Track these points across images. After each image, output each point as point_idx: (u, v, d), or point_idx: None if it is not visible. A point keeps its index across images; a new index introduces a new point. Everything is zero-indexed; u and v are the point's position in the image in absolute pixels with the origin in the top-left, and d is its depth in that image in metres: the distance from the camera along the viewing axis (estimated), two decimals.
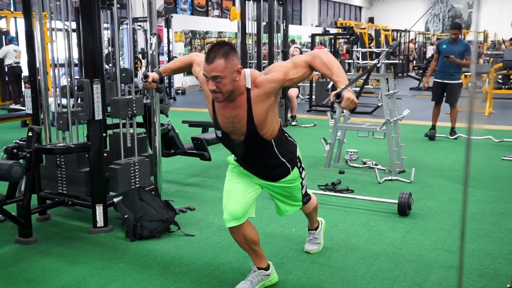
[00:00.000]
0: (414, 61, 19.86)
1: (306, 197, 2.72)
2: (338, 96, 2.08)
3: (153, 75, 2.77)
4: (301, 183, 2.61)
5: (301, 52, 9.04)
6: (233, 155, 2.57)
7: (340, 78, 2.15)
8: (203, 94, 2.47)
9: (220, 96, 2.21)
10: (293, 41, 14.94)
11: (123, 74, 3.73)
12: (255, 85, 2.25)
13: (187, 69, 2.70)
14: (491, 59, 15.30)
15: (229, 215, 2.45)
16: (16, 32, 10.96)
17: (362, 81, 2.42)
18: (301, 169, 2.58)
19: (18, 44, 10.78)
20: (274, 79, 2.25)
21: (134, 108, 3.67)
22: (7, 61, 10.60)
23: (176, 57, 12.45)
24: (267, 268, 2.66)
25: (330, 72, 2.19)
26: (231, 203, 2.47)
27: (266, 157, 2.42)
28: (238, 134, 2.35)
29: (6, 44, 10.69)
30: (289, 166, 2.49)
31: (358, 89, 2.38)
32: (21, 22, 10.60)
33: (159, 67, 2.91)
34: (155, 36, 3.79)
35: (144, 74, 2.79)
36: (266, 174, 2.52)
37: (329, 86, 9.07)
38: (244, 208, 2.46)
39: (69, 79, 3.59)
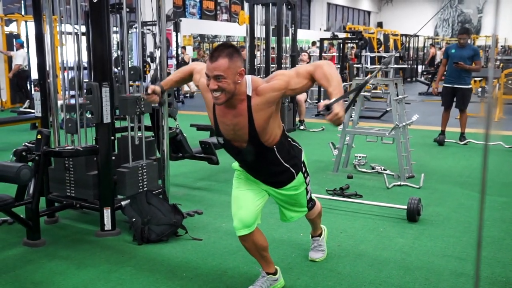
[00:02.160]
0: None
1: (310, 203, 2.70)
2: (328, 108, 1.98)
3: (153, 87, 2.59)
4: (306, 189, 2.58)
5: (309, 57, 9.02)
6: (237, 164, 2.56)
7: (336, 91, 2.08)
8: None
9: (221, 97, 2.18)
10: (313, 43, 14.57)
11: (132, 72, 3.74)
12: (256, 93, 2.22)
13: (189, 79, 2.65)
14: (501, 64, 15.18)
15: (240, 223, 2.43)
16: (27, 36, 11.05)
17: (351, 96, 2.33)
18: (305, 175, 2.55)
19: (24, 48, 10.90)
20: (276, 88, 2.22)
21: (142, 106, 3.66)
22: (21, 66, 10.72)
23: (184, 60, 12.49)
24: (275, 273, 2.64)
25: (328, 84, 2.12)
26: (241, 211, 2.44)
27: (268, 163, 2.39)
28: (239, 141, 2.33)
29: (17, 49, 10.78)
30: (293, 171, 2.46)
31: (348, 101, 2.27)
32: (31, 25, 10.70)
33: (160, 81, 2.73)
34: (159, 49, 3.80)
35: (146, 87, 2.64)
36: (270, 180, 2.49)
37: None
38: (254, 215, 2.44)
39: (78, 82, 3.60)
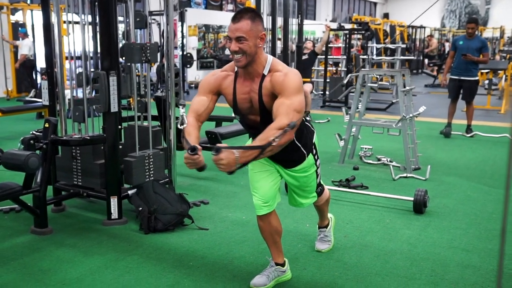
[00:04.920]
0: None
1: (320, 187, 2.71)
2: (217, 150, 1.96)
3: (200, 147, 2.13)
4: (316, 171, 2.60)
5: (314, 45, 8.96)
6: (250, 140, 2.57)
7: (256, 142, 2.06)
8: None
9: (242, 60, 2.18)
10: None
11: (137, 19, 3.70)
12: (270, 76, 2.24)
13: (208, 111, 2.40)
14: (508, 55, 15.05)
15: (261, 200, 2.45)
16: (32, 25, 11.05)
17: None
18: (316, 157, 2.57)
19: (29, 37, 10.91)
20: (275, 88, 2.20)
21: (149, 54, 3.64)
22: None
23: (190, 53, 12.40)
24: (283, 264, 2.65)
25: (262, 135, 2.08)
26: (261, 189, 2.47)
27: None
28: (254, 114, 2.35)
29: (22, 38, 10.77)
30: (304, 151, 2.48)
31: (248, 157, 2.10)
32: (36, 14, 10.67)
33: (189, 144, 2.17)
34: (166, 38, 3.79)
35: (193, 147, 2.08)
36: (282, 158, 2.48)
37: (344, 81, 9.02)
38: (273, 192, 2.48)
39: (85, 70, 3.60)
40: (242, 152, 2.02)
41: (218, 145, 2.01)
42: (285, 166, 2.52)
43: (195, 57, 14.34)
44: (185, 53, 11.41)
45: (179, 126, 2.32)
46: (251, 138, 2.59)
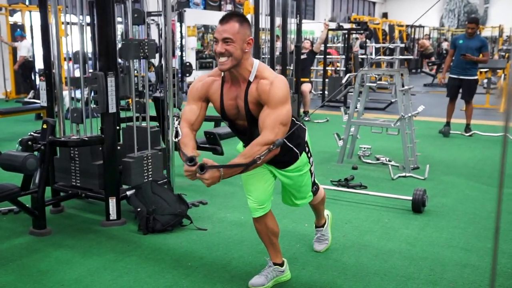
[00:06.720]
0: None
1: (315, 186, 2.70)
2: (202, 168, 2.03)
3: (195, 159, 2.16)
4: (310, 169, 2.57)
5: (312, 44, 8.96)
6: (241, 143, 2.56)
7: (239, 160, 2.09)
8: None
9: (227, 63, 2.13)
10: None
11: (135, 15, 3.68)
12: (256, 83, 2.20)
13: (201, 119, 2.40)
14: (507, 54, 15.08)
15: (255, 202, 2.44)
16: (31, 26, 11.04)
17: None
18: (309, 155, 2.53)
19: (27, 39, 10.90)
20: (261, 97, 2.17)
21: (147, 50, 3.61)
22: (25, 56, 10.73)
23: (189, 62, 12.38)
24: (282, 264, 2.64)
25: (246, 152, 2.12)
26: (255, 192, 2.46)
27: None
28: (242, 119, 2.33)
29: (20, 41, 10.75)
30: (297, 151, 2.45)
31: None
32: (35, 15, 10.67)
33: (187, 155, 2.20)
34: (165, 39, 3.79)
35: (190, 158, 2.13)
36: (275, 160, 2.43)
37: (343, 81, 9.02)
38: (267, 194, 2.47)
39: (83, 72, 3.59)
40: (226, 170, 2.08)
41: (204, 160, 2.06)
42: (278, 167, 2.49)
43: (194, 58, 14.33)
44: (185, 61, 11.39)
45: (174, 139, 2.31)
46: (241, 142, 2.57)
